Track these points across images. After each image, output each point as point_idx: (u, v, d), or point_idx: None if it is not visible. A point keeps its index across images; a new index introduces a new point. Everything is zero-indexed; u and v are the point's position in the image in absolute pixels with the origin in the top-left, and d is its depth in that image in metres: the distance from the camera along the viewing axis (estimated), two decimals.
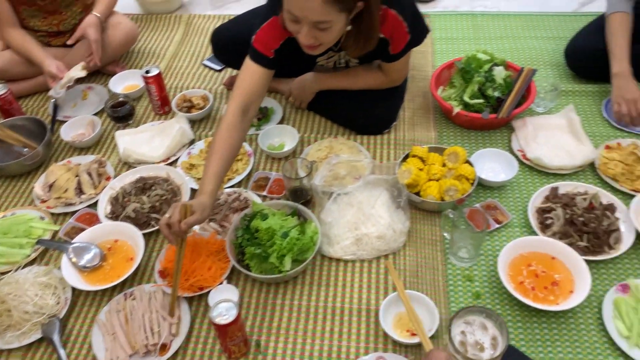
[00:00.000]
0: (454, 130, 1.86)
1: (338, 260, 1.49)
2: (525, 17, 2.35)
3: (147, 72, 1.90)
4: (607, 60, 1.86)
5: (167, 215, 1.31)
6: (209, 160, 1.40)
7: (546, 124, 1.80)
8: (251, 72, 1.54)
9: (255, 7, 1.89)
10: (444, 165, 1.64)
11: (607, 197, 1.56)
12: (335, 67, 1.80)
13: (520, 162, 1.71)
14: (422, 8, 2.53)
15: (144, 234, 1.52)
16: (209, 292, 1.38)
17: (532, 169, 1.70)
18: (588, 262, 1.41)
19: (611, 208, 1.53)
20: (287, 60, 1.59)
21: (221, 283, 1.40)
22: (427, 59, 2.17)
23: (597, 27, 1.95)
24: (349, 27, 1.45)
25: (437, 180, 1.59)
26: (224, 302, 1.22)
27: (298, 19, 1.36)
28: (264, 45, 1.53)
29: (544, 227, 1.51)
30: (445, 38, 2.29)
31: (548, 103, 1.88)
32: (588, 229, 1.46)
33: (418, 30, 1.64)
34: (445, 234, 1.54)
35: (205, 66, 2.23)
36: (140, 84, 2.06)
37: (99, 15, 2.05)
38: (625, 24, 1.79)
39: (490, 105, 1.80)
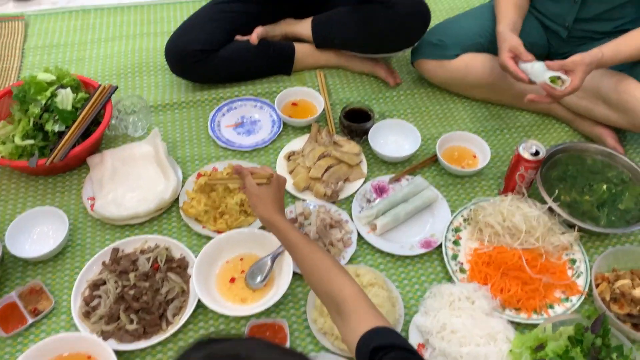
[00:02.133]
0: (17, 181, 1.43)
1: None
2: (147, 9, 1.97)
3: None
4: (216, 61, 1.59)
5: None
6: None
7: (131, 155, 1.45)
8: None
9: None
10: None
11: (180, 249, 1.27)
12: None
13: (88, 216, 1.35)
14: (20, 8, 2.02)
15: None
16: None
17: (103, 225, 1.35)
18: (139, 350, 1.12)
19: (183, 264, 1.25)
20: None
21: None
22: (9, 78, 1.68)
23: (204, 18, 1.65)
24: None
25: None
26: None
27: None
28: None
29: (91, 310, 1.17)
30: (41, 46, 1.80)
31: (141, 124, 1.53)
32: (139, 305, 1.15)
33: None
34: None
35: None
36: None
37: None
38: None
39: (51, 144, 1.40)
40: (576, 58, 1.27)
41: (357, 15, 1.59)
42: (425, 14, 1.55)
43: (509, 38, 1.38)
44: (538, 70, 1.31)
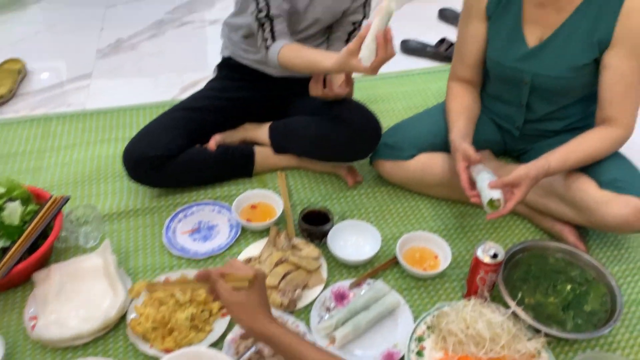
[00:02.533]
0: None
1: None
2: (110, 115, 1.98)
3: None
4: (175, 166, 1.57)
5: None
6: None
7: (80, 268, 1.38)
8: None
9: None
10: None
11: None
12: None
13: (29, 338, 1.26)
14: None
15: None
16: None
17: (44, 348, 1.25)
18: None
19: None
20: None
21: None
22: None
23: (164, 124, 1.65)
24: None
25: None
26: None
27: None
28: None
29: None
30: (1, 155, 1.80)
31: (93, 234, 1.49)
32: None
33: None
34: None
35: None
36: None
37: None
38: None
39: None
40: (521, 173, 1.29)
41: (312, 127, 1.63)
42: (376, 129, 1.60)
43: (459, 146, 1.40)
44: (480, 189, 1.33)
